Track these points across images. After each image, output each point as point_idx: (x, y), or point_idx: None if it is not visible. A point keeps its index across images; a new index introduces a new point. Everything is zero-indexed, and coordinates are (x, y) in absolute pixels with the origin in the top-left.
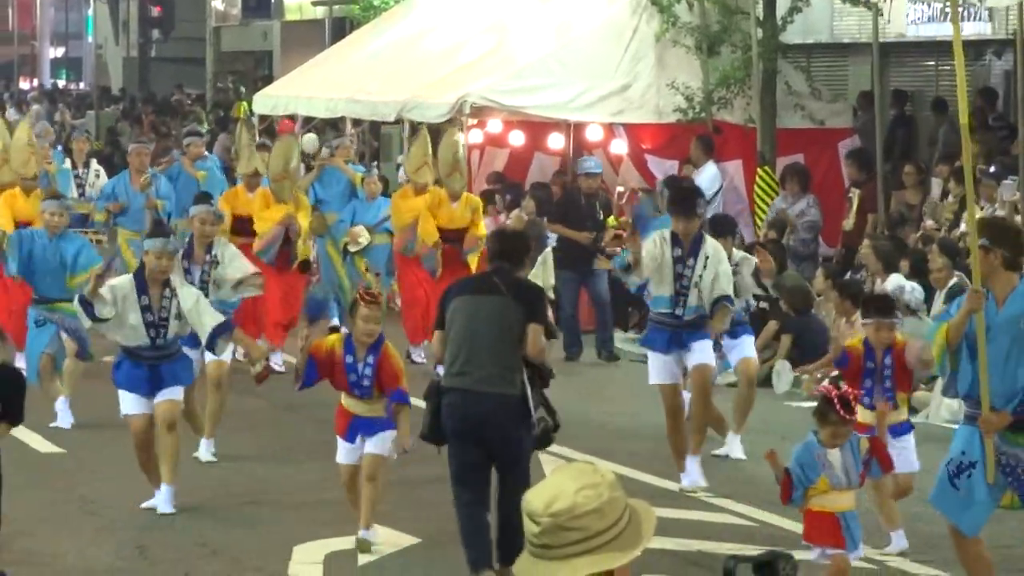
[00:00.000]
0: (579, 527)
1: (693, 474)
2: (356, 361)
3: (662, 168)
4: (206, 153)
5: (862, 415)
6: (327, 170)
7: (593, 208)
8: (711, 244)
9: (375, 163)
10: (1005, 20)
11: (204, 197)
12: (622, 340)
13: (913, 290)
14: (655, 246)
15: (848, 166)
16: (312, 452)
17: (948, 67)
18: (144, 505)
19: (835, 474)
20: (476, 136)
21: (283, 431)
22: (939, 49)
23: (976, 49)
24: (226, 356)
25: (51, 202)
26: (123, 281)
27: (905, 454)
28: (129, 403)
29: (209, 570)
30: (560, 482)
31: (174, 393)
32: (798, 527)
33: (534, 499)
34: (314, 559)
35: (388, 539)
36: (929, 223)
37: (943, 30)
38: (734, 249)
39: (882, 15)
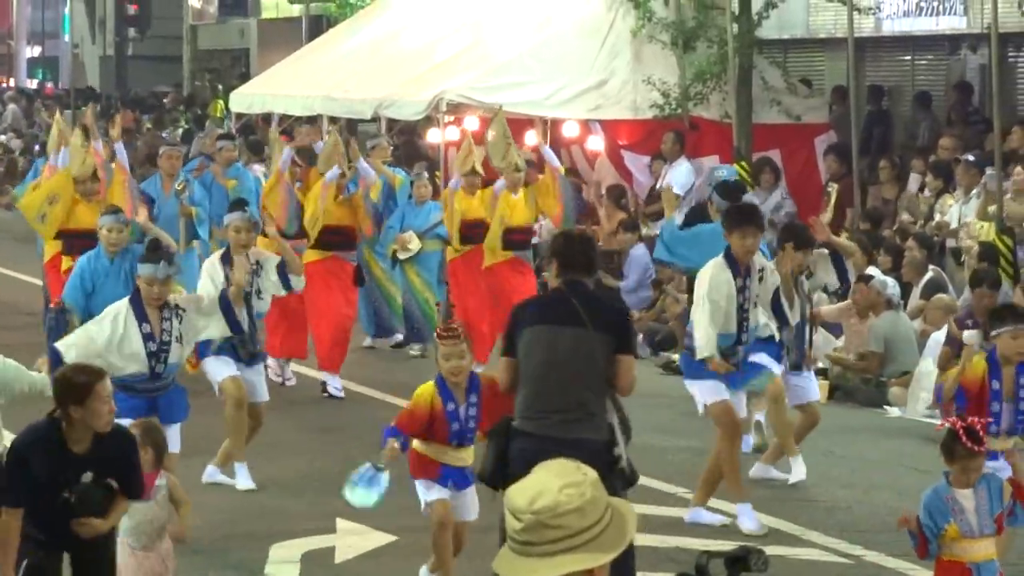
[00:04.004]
0: (561, 525)
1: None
2: (458, 406)
3: (638, 164)
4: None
5: (990, 442)
6: None
7: None
8: (760, 259)
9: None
10: (980, 14)
11: (239, 204)
12: None
13: (895, 285)
14: (719, 287)
15: (829, 160)
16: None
17: (924, 62)
18: None
19: (965, 519)
20: (453, 133)
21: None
22: (915, 44)
23: (951, 43)
24: (266, 396)
25: (108, 217)
26: (117, 307)
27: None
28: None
29: (186, 566)
30: (544, 479)
31: (173, 444)
32: (773, 522)
33: (517, 496)
34: (291, 558)
35: (364, 537)
36: (905, 217)
37: (919, 25)
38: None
39: (859, 11)
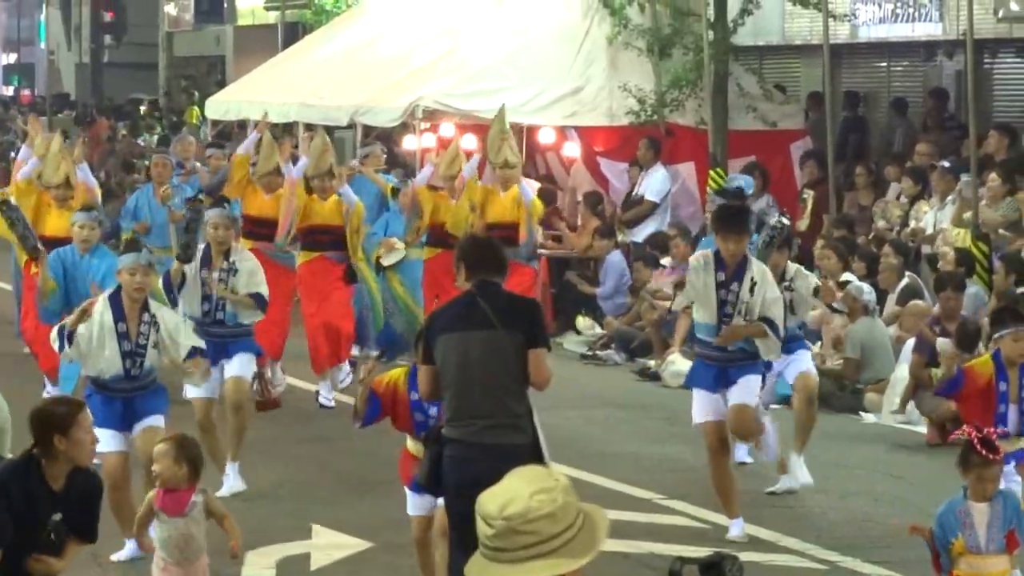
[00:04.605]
0: (532, 531)
1: (741, 524)
2: (421, 400)
3: (614, 170)
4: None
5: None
6: (356, 178)
7: None
8: (757, 267)
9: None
10: (956, 21)
11: (218, 201)
12: (573, 343)
13: (871, 291)
14: (698, 271)
15: (807, 167)
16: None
17: (900, 68)
18: (114, 558)
19: (973, 534)
20: (429, 140)
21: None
22: (891, 50)
23: (927, 49)
24: (246, 373)
25: (81, 215)
26: (96, 306)
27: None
28: (103, 440)
29: None
30: (515, 485)
31: (155, 421)
32: (748, 528)
33: (488, 502)
34: (267, 564)
35: (340, 543)
36: (881, 223)
37: (895, 31)
38: (788, 263)
39: (834, 18)
